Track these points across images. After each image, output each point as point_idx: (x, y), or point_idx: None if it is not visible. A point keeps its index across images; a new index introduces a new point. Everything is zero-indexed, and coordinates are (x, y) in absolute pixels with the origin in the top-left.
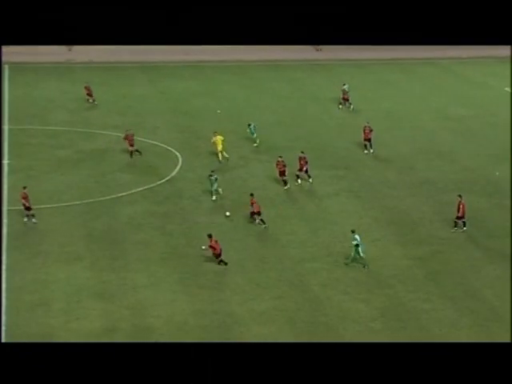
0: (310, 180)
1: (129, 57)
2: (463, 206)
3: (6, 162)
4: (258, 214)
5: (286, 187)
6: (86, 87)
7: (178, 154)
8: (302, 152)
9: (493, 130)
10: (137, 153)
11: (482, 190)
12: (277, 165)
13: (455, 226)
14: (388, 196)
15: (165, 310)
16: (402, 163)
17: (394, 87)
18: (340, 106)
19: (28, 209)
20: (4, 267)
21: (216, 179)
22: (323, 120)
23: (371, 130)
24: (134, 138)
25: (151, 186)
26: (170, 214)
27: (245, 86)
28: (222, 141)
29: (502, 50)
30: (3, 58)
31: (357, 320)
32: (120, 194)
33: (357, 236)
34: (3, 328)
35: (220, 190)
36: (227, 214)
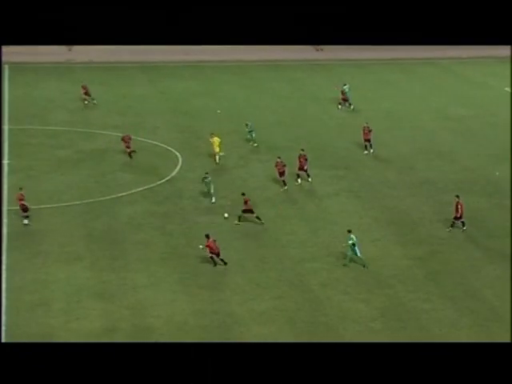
0: (309, 179)
1: (129, 57)
2: (461, 206)
3: (5, 161)
4: (251, 212)
5: (284, 188)
6: (82, 87)
7: (177, 153)
8: (302, 150)
9: (493, 130)
10: (133, 153)
11: (482, 190)
12: (276, 165)
13: (451, 226)
14: (388, 196)
15: (165, 310)
16: (401, 163)
17: (394, 87)
18: (339, 106)
19: (25, 210)
20: (4, 267)
21: (210, 181)
22: (323, 120)
23: (370, 131)
24: (132, 139)
25: (151, 185)
26: (169, 214)
27: (245, 85)
28: (220, 143)
29: (502, 50)
30: (3, 58)
31: (357, 320)
32: (120, 194)
33: (353, 236)
34: (3, 328)
35: (211, 190)
36: (225, 215)
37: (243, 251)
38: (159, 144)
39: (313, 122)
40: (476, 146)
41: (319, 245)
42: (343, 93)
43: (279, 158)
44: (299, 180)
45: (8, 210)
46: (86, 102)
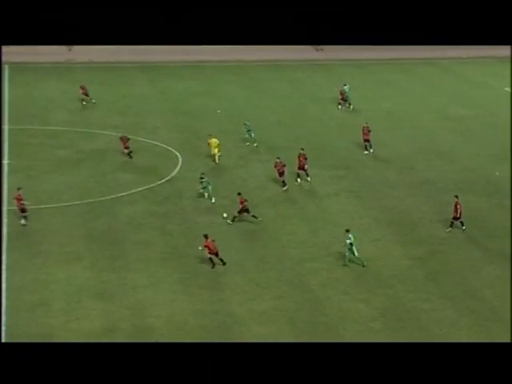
0: (309, 179)
1: (129, 57)
2: (460, 206)
3: (5, 161)
4: (247, 211)
5: (284, 188)
6: (81, 87)
7: (177, 153)
8: (302, 149)
9: (493, 130)
10: (130, 153)
11: (482, 190)
12: (275, 166)
13: (450, 226)
14: (388, 196)
15: (165, 310)
16: (401, 163)
17: (394, 87)
18: (339, 107)
19: (23, 210)
20: (4, 267)
21: (208, 182)
22: (323, 120)
23: (369, 131)
24: (129, 141)
25: (151, 185)
26: (169, 214)
27: (245, 85)
28: (218, 144)
29: (502, 50)
30: (3, 58)
31: (357, 320)
32: (120, 194)
33: (351, 235)
34: (3, 328)
35: (206, 193)
36: (224, 215)
37: (243, 251)
38: (159, 144)
39: (313, 121)
40: (476, 145)
41: (319, 245)
42: (342, 93)
43: (278, 158)
44: (299, 180)
45: (8, 210)
46: (84, 103)
